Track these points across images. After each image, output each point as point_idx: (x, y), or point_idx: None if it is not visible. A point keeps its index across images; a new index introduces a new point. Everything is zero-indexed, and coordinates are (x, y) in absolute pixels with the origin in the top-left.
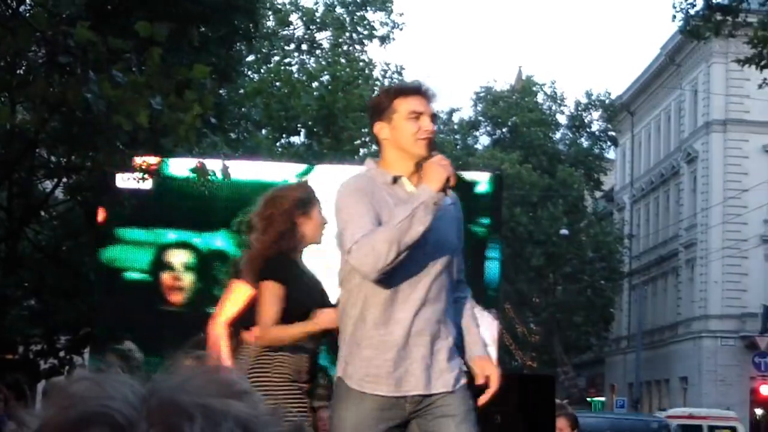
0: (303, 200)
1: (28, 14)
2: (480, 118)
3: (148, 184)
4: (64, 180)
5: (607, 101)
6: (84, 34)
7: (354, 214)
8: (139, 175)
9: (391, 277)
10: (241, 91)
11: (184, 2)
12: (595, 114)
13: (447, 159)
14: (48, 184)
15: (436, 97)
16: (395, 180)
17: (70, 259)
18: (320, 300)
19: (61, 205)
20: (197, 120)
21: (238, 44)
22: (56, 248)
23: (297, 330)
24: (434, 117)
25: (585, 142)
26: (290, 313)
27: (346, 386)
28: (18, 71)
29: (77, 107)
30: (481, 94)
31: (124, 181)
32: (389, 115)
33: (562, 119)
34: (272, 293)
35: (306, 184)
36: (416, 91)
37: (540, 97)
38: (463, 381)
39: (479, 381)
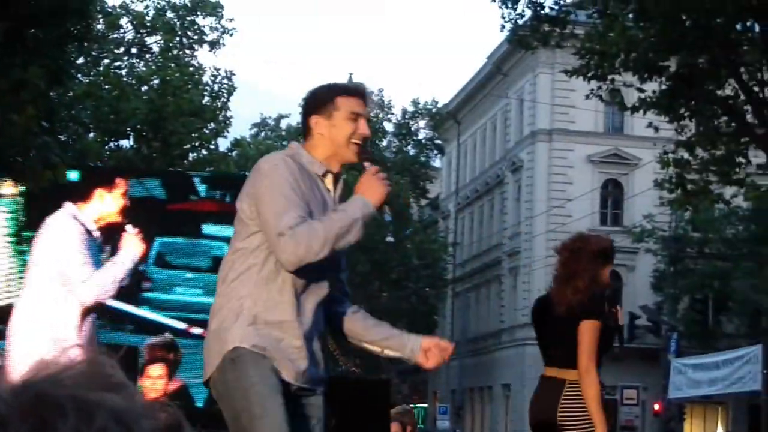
0: None
1: None
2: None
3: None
4: None
5: (433, 110)
6: None
7: (289, 198)
8: None
9: (306, 268)
10: (71, 93)
11: (18, 3)
12: (422, 122)
13: (382, 172)
14: None
15: (371, 104)
16: (325, 174)
17: None
18: None
19: None
20: (32, 122)
21: (69, 46)
22: None
23: None
24: (368, 122)
25: (411, 150)
26: None
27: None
28: None
29: None
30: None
31: None
32: (330, 111)
33: (389, 127)
34: None
35: None
36: (359, 92)
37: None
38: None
39: (435, 354)
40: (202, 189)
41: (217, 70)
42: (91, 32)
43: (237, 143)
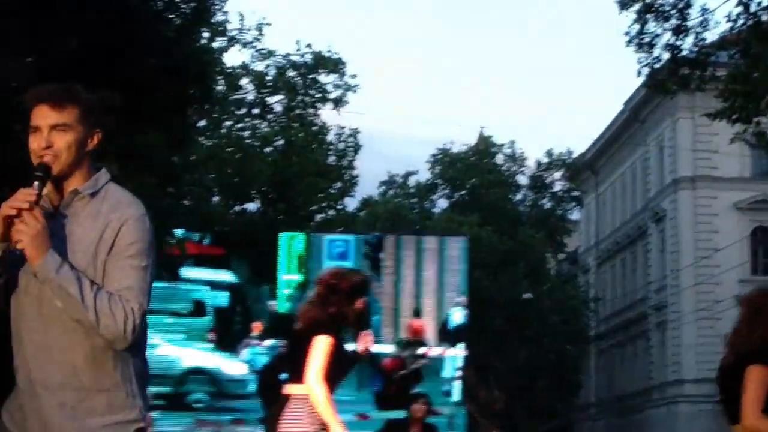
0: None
1: None
2: (437, 180)
3: None
4: None
5: (569, 160)
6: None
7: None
8: None
9: None
10: (193, 157)
11: (137, 69)
12: (557, 174)
13: (28, 213)
14: None
15: (71, 100)
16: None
17: None
18: None
19: None
20: (154, 189)
21: (190, 110)
22: None
23: None
24: (61, 127)
25: (547, 203)
26: None
27: None
28: None
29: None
30: (439, 156)
31: None
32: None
33: (522, 180)
34: None
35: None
36: (37, 99)
37: (500, 158)
38: None
39: None
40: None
41: (342, 128)
42: (212, 95)
43: (366, 202)
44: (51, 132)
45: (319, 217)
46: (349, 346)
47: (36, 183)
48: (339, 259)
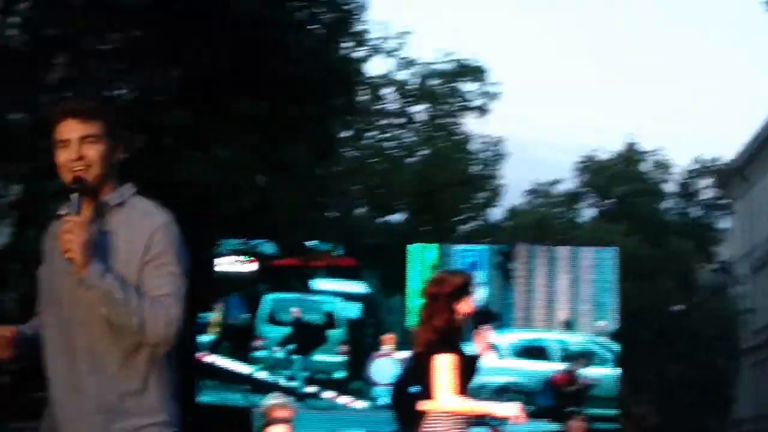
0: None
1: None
2: (583, 189)
3: (263, 270)
4: None
5: (717, 166)
6: (182, 116)
7: None
8: (241, 258)
9: None
10: (338, 168)
11: (281, 81)
12: (706, 181)
13: (75, 222)
14: None
15: (97, 112)
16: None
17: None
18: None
19: None
20: (302, 201)
21: (334, 121)
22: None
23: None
24: (90, 139)
25: (695, 211)
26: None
27: None
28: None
29: (182, 187)
30: (584, 164)
31: (228, 264)
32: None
33: (670, 188)
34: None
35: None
36: (64, 113)
37: (646, 166)
38: None
39: None
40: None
41: (486, 136)
42: (355, 105)
43: (512, 212)
44: (81, 144)
45: (463, 227)
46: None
47: (74, 196)
48: (470, 269)
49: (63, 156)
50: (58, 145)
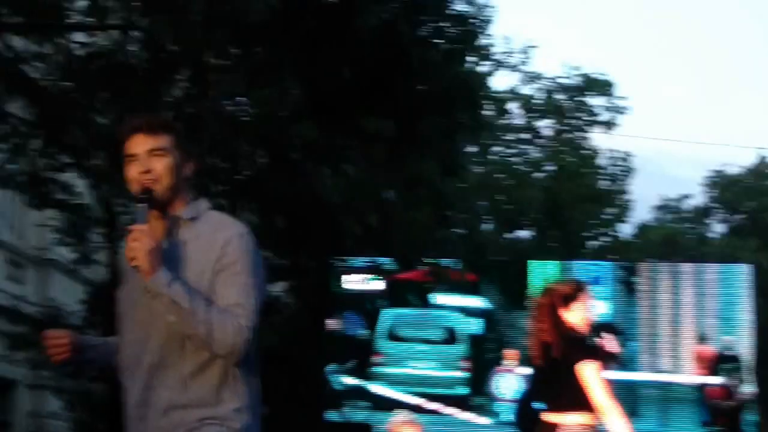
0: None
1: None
2: (713, 204)
3: (382, 286)
4: (289, 282)
5: None
6: (308, 132)
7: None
8: (368, 276)
9: None
10: (464, 184)
11: (407, 95)
12: None
13: (141, 231)
14: (273, 286)
15: (163, 127)
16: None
17: (299, 363)
18: None
19: (288, 308)
20: (429, 218)
21: (460, 136)
22: (284, 353)
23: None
24: (158, 152)
25: None
26: None
27: None
28: (242, 173)
29: (307, 204)
30: (714, 179)
31: (353, 282)
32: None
33: None
34: None
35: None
36: (132, 129)
37: None
38: None
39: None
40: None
41: (614, 151)
42: (481, 120)
43: (641, 228)
44: (149, 157)
45: (592, 243)
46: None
47: (141, 206)
48: (592, 284)
49: (132, 170)
50: (127, 159)
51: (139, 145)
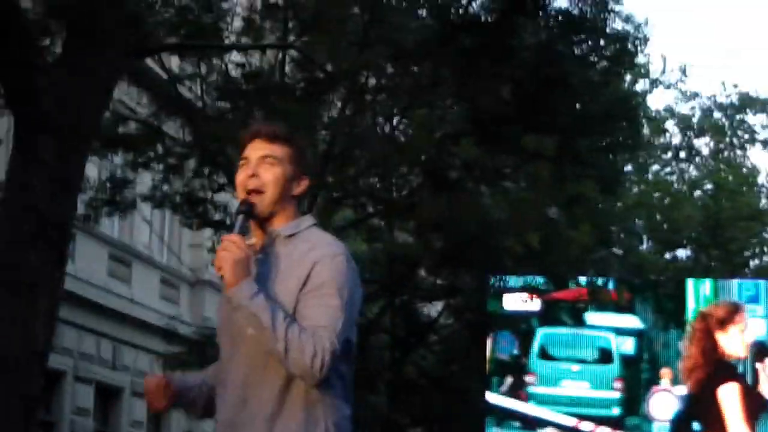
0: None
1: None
2: None
3: (537, 306)
4: (447, 301)
5: None
6: (470, 151)
7: None
8: (525, 296)
9: None
10: (620, 204)
11: (566, 114)
12: None
13: (235, 238)
14: (430, 307)
15: (282, 137)
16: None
17: (456, 384)
18: None
19: (446, 328)
20: (589, 237)
21: (619, 156)
22: (443, 373)
23: None
24: (270, 159)
25: None
26: None
27: None
28: (399, 193)
29: (468, 224)
30: None
31: (511, 302)
32: None
33: None
34: None
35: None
36: (252, 135)
37: None
38: None
39: None
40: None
41: None
42: (639, 139)
43: None
44: (259, 163)
45: (753, 263)
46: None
47: (240, 217)
48: (749, 302)
49: (241, 174)
50: (240, 164)
51: (255, 150)
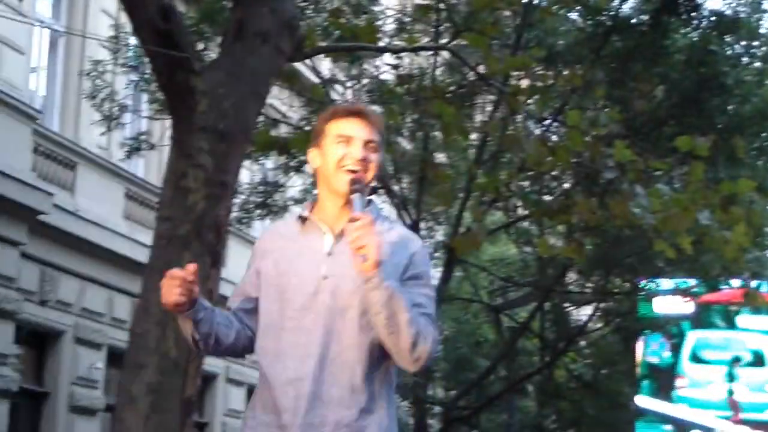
0: None
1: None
2: None
3: (688, 308)
4: (597, 305)
5: None
6: (624, 153)
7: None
8: (679, 299)
9: None
10: None
11: (720, 114)
12: None
13: (368, 217)
14: (580, 310)
15: (378, 123)
16: (304, 221)
17: (606, 388)
18: None
19: (596, 332)
20: (746, 239)
21: None
22: (593, 377)
23: None
24: (372, 145)
25: None
26: None
27: None
28: (553, 196)
29: (623, 225)
30: None
31: (663, 305)
32: (321, 140)
33: None
34: None
35: None
36: (351, 113)
37: None
38: None
39: None
40: None
41: None
42: None
43: None
44: (365, 146)
45: None
46: None
47: (356, 196)
48: None
49: (342, 150)
50: (336, 139)
51: (359, 130)
